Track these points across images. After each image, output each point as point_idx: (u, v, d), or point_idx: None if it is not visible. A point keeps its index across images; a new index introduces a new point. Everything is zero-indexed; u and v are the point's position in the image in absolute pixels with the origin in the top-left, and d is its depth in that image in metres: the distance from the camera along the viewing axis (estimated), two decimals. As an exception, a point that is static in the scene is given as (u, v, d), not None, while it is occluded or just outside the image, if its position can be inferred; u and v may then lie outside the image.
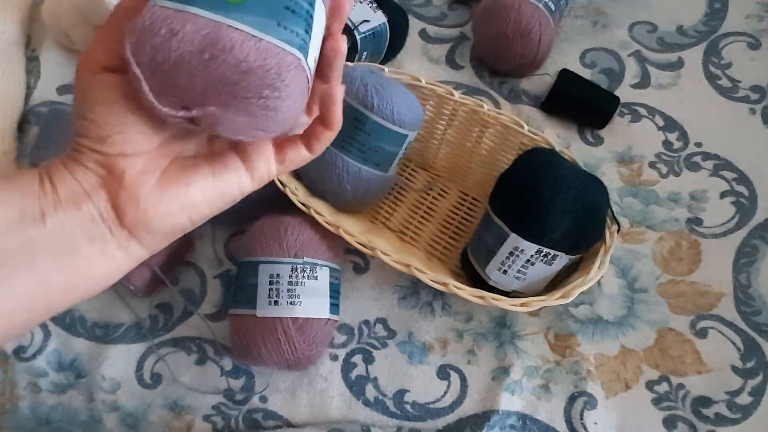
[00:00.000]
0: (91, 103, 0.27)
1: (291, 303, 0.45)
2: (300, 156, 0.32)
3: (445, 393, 0.49)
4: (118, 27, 0.27)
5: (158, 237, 0.29)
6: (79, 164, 0.27)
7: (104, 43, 0.27)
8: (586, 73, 0.64)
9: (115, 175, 0.27)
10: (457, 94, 0.54)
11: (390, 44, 0.62)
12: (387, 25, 0.61)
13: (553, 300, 0.44)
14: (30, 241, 0.26)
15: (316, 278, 0.47)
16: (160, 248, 0.30)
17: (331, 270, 0.48)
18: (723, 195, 0.57)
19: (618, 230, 0.49)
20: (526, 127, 0.52)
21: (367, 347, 0.51)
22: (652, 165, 0.59)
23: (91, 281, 0.28)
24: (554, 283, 0.48)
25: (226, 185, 0.30)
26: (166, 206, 0.28)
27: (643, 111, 0.62)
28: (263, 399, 0.49)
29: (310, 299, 0.46)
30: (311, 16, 0.27)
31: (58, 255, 0.26)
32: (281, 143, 0.31)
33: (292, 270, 0.46)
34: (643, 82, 0.64)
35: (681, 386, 0.49)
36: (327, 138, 0.31)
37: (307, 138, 0.31)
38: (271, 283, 0.46)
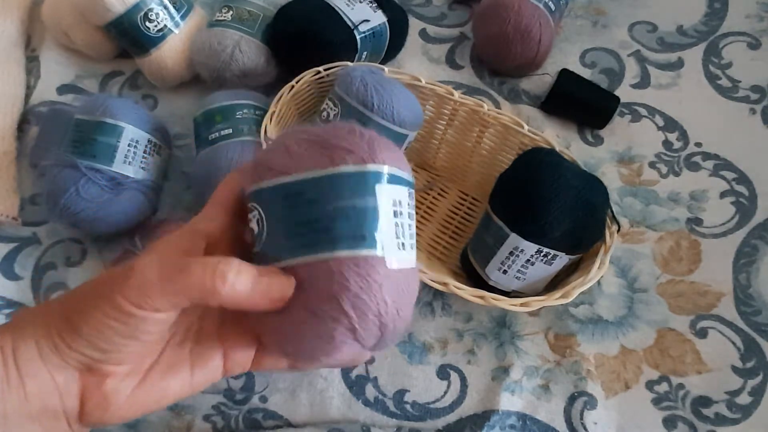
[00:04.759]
0: (124, 329, 0.24)
1: None
2: (271, 364, 0.31)
3: (445, 393, 0.49)
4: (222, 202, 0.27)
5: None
6: (60, 359, 0.24)
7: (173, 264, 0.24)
8: (586, 73, 0.64)
9: (96, 377, 0.25)
10: (457, 94, 0.54)
11: (390, 44, 0.62)
12: (387, 24, 0.61)
13: (553, 300, 0.44)
14: None
15: None
16: None
17: None
18: (723, 195, 0.57)
19: (618, 230, 0.49)
20: (526, 127, 0.52)
21: (367, 347, 0.51)
22: (652, 165, 0.59)
23: None
24: (554, 283, 0.48)
25: (200, 382, 0.29)
26: (134, 411, 0.27)
27: (643, 111, 0.62)
28: (263, 399, 0.49)
29: None
30: None
31: None
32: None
33: None
34: (643, 82, 0.64)
35: (681, 386, 0.49)
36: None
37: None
38: None
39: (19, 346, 0.24)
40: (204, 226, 0.28)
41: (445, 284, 0.44)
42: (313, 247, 0.25)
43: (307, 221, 0.26)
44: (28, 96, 0.62)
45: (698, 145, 0.60)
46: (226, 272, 0.23)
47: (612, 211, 0.48)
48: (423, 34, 0.68)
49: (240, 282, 0.24)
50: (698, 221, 0.56)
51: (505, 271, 0.47)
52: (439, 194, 0.59)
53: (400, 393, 0.49)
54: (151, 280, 0.23)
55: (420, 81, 0.54)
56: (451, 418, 0.48)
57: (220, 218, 0.29)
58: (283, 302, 0.25)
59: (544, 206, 0.44)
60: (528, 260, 0.46)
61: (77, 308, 0.24)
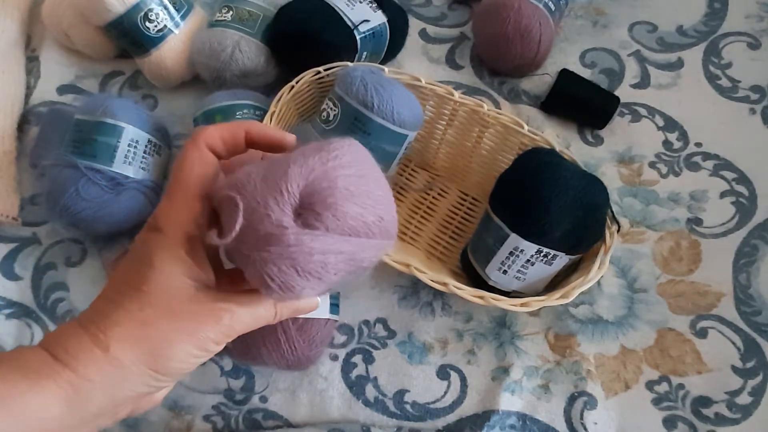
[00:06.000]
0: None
1: None
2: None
3: (445, 393, 0.49)
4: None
5: None
6: (131, 398, 0.29)
7: None
8: (586, 73, 0.64)
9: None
10: (457, 94, 0.54)
11: (390, 44, 0.62)
12: (387, 25, 0.61)
13: (553, 300, 0.44)
14: None
15: None
16: None
17: None
18: (723, 195, 0.57)
19: (618, 230, 0.49)
20: (526, 127, 0.52)
21: (367, 347, 0.51)
22: (652, 165, 0.59)
23: None
24: (554, 283, 0.48)
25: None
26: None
27: (643, 111, 0.62)
28: (263, 399, 0.49)
29: None
30: None
31: None
32: None
33: None
34: (643, 82, 0.64)
35: (681, 386, 0.49)
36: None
37: None
38: None
39: (88, 396, 0.27)
40: (197, 230, 0.30)
41: (445, 284, 0.44)
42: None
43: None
44: (28, 96, 0.62)
45: (698, 145, 0.60)
46: (281, 312, 0.33)
47: (612, 211, 0.48)
48: (423, 34, 0.68)
49: (285, 312, 0.33)
50: (698, 221, 0.56)
51: (505, 271, 0.47)
52: (439, 194, 0.59)
53: (400, 393, 0.49)
54: (238, 330, 0.30)
55: (420, 81, 0.54)
56: (451, 418, 0.48)
57: (204, 218, 0.30)
58: (312, 311, 0.36)
59: (544, 206, 0.44)
60: (528, 260, 0.46)
61: (163, 353, 0.28)
